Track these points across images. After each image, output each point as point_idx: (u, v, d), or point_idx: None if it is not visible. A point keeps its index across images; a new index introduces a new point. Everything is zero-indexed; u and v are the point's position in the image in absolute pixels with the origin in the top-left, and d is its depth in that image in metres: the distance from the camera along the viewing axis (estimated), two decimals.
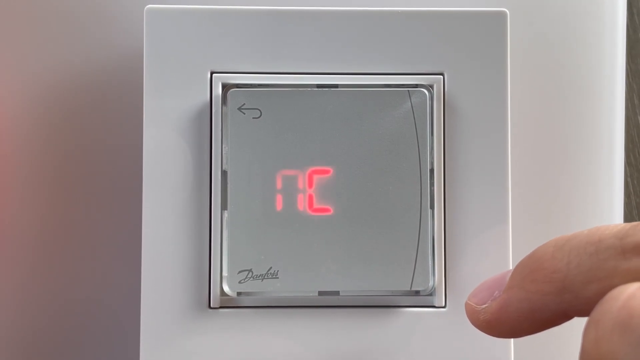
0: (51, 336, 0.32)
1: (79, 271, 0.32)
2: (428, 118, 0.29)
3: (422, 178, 0.29)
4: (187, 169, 0.29)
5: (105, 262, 0.32)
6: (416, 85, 0.29)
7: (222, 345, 0.29)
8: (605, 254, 0.21)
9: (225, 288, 0.29)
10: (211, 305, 0.29)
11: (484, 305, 0.24)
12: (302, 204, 0.29)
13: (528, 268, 0.23)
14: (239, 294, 0.29)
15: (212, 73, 0.29)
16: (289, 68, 0.29)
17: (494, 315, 0.23)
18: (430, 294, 0.29)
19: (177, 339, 0.29)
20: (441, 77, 0.29)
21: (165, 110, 0.29)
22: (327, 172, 0.29)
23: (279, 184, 0.29)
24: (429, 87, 0.29)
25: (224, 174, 0.29)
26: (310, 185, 0.29)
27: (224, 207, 0.29)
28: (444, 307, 0.29)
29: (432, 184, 0.29)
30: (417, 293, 0.29)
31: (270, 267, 0.29)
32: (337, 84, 0.29)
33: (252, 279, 0.29)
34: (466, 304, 0.25)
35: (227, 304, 0.29)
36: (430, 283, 0.29)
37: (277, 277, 0.29)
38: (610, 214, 0.33)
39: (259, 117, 0.29)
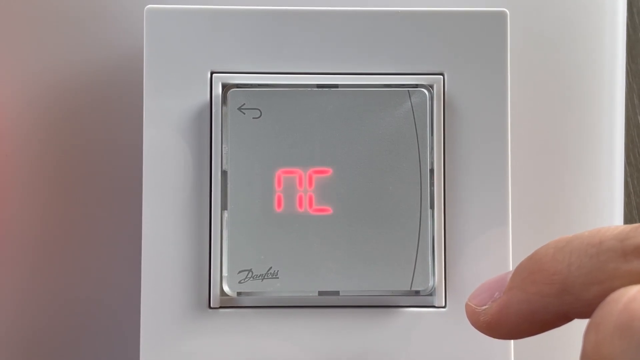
0: (51, 336, 0.32)
1: (79, 271, 0.32)
2: (428, 118, 0.29)
3: (422, 178, 0.29)
4: (187, 169, 0.29)
5: (105, 262, 0.32)
6: (416, 85, 0.29)
7: (222, 345, 0.29)
8: (606, 256, 0.20)
9: (225, 288, 0.29)
10: (211, 305, 0.29)
11: (484, 307, 0.24)
12: (302, 204, 0.29)
13: (528, 269, 0.22)
14: (239, 294, 0.29)
15: (212, 73, 0.29)
16: (289, 68, 0.29)
17: (494, 317, 0.23)
18: (430, 294, 0.29)
19: (177, 339, 0.29)
20: (441, 77, 0.29)
21: (165, 110, 0.29)
22: (327, 172, 0.29)
23: (279, 184, 0.29)
24: (429, 87, 0.29)
25: (224, 174, 0.29)
26: (310, 185, 0.29)
27: (224, 207, 0.29)
28: (444, 307, 0.29)
29: (432, 184, 0.29)
30: (417, 293, 0.29)
31: (270, 267, 0.29)
32: (337, 84, 0.29)
33: (252, 279, 0.29)
34: (466, 305, 0.25)
35: (227, 304, 0.29)
36: (430, 283, 0.29)
37: (277, 277, 0.29)
38: (610, 213, 0.33)
39: (259, 117, 0.29)
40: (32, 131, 0.32)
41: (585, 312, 0.21)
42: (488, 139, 0.29)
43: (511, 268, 0.29)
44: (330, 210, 0.29)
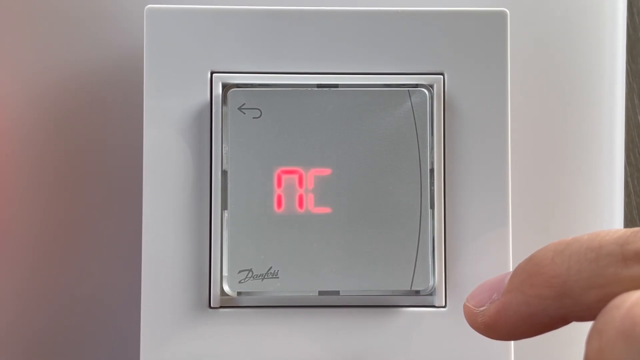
0: (51, 336, 0.32)
1: (79, 271, 0.32)
2: (428, 118, 0.29)
3: (422, 178, 0.29)
4: (187, 169, 0.29)
5: (105, 262, 0.32)
6: (416, 85, 0.29)
7: (222, 345, 0.29)
8: (606, 261, 0.20)
9: (226, 288, 0.29)
10: (211, 305, 0.29)
11: (482, 308, 0.24)
12: (302, 203, 0.29)
13: (527, 272, 0.22)
14: (239, 293, 0.29)
15: (212, 73, 0.29)
16: (289, 68, 0.29)
17: (492, 318, 0.23)
18: (430, 294, 0.29)
19: (177, 339, 0.29)
20: (441, 77, 0.29)
21: (165, 110, 0.29)
22: (327, 172, 0.29)
23: (279, 184, 0.29)
24: (429, 87, 0.29)
25: (224, 173, 0.29)
26: (311, 185, 0.29)
27: (224, 207, 0.29)
28: (444, 307, 0.29)
29: (432, 184, 0.29)
30: (417, 293, 0.29)
31: (271, 267, 0.29)
32: (337, 84, 0.29)
33: (252, 278, 0.29)
34: (464, 306, 0.25)
35: (227, 303, 0.29)
36: (430, 283, 0.29)
37: (277, 277, 0.29)
38: (610, 213, 0.33)
39: (259, 116, 0.29)
40: (32, 131, 0.32)
41: (584, 315, 0.21)
42: (488, 139, 0.29)
43: (511, 268, 0.29)
44: (330, 210, 0.29)
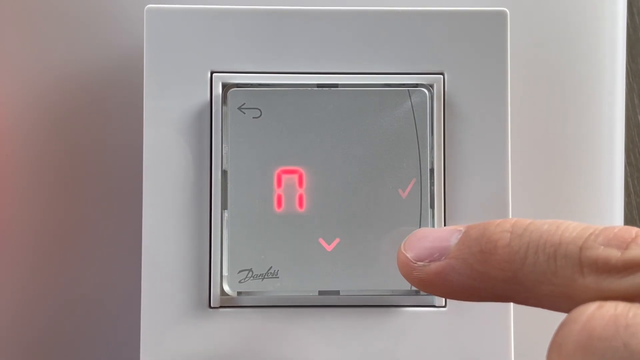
0: (51, 336, 0.32)
1: (78, 271, 0.32)
2: (428, 118, 0.29)
3: (422, 178, 0.29)
4: (187, 169, 0.29)
5: (105, 262, 0.32)
6: (416, 85, 0.29)
7: (222, 345, 0.29)
8: (563, 262, 0.20)
9: (226, 288, 0.29)
10: (211, 305, 0.29)
11: (420, 263, 0.23)
12: (302, 203, 0.29)
13: (479, 246, 0.22)
14: (239, 293, 0.29)
15: (212, 73, 0.29)
16: (289, 68, 0.29)
17: (429, 277, 0.23)
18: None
19: (177, 339, 0.29)
20: (441, 76, 0.29)
21: (165, 110, 0.29)
22: (327, 171, 0.29)
23: (279, 184, 0.29)
24: (429, 87, 0.29)
25: (224, 173, 0.29)
26: (311, 185, 0.29)
27: (224, 206, 0.29)
28: (444, 307, 0.29)
29: (432, 184, 0.29)
30: (417, 293, 0.29)
31: (271, 267, 0.29)
32: (337, 84, 0.29)
33: (252, 278, 0.29)
34: (400, 253, 0.24)
35: (228, 303, 0.29)
36: None
37: (277, 277, 0.29)
38: (610, 213, 0.33)
39: (259, 116, 0.29)
40: (32, 131, 0.32)
41: (532, 303, 0.21)
42: (488, 139, 0.29)
43: None
44: (330, 210, 0.29)
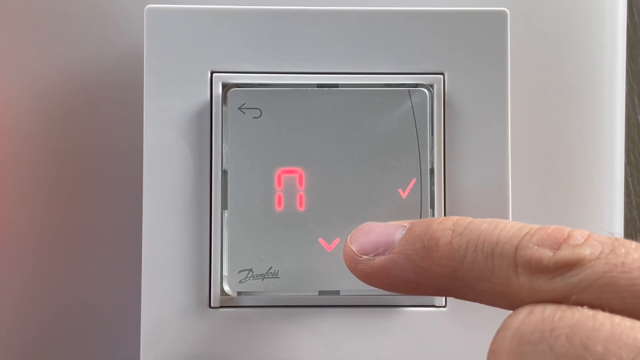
0: (51, 336, 0.32)
1: (78, 271, 0.32)
2: (428, 118, 0.29)
3: (422, 178, 0.29)
4: (187, 169, 0.29)
5: (105, 263, 0.32)
6: (416, 85, 0.29)
7: (222, 345, 0.29)
8: (499, 261, 0.21)
9: (226, 288, 0.29)
10: (211, 305, 0.29)
11: (365, 257, 0.24)
12: (302, 203, 0.29)
13: (422, 243, 0.23)
14: (239, 293, 0.29)
15: (212, 73, 0.29)
16: (289, 68, 0.29)
17: (373, 270, 0.23)
18: None
19: (177, 339, 0.29)
20: (441, 76, 0.29)
21: (165, 110, 0.29)
22: (327, 171, 0.29)
23: (279, 184, 0.29)
24: (429, 87, 0.29)
25: (224, 173, 0.29)
26: (311, 185, 0.29)
27: (224, 206, 0.29)
28: (444, 306, 0.29)
29: (432, 184, 0.29)
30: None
31: (271, 267, 0.29)
32: (337, 84, 0.29)
33: (252, 278, 0.29)
34: (346, 246, 0.24)
35: (228, 303, 0.29)
36: None
37: (278, 277, 0.29)
38: (610, 213, 0.33)
39: (259, 116, 0.29)
40: (32, 131, 0.32)
41: (472, 298, 0.22)
42: (488, 139, 0.29)
43: None
44: (330, 210, 0.29)
